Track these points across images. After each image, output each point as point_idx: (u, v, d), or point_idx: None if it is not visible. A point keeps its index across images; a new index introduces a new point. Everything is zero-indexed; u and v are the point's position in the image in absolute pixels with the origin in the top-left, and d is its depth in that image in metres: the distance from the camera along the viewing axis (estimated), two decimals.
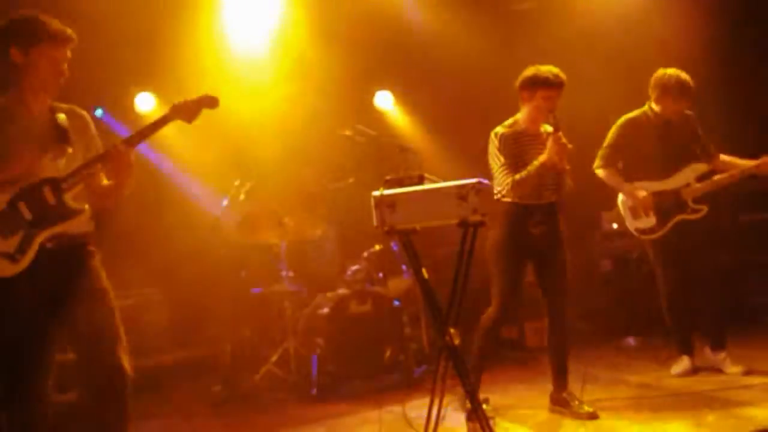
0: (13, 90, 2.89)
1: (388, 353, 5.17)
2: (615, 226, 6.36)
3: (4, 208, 2.75)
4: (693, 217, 4.58)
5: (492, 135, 4.05)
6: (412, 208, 3.15)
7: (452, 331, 3.21)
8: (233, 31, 6.21)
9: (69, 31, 2.90)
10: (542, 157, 3.85)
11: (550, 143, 3.84)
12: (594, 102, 5.61)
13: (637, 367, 5.05)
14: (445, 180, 3.19)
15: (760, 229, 6.30)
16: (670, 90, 4.57)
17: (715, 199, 4.62)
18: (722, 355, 4.58)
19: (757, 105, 6.32)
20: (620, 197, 4.82)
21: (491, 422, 3.27)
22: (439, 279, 3.48)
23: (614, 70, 6.09)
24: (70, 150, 2.89)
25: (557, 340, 4.09)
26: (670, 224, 4.60)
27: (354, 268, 5.55)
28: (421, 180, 3.29)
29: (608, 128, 4.77)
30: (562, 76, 3.95)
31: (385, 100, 7.23)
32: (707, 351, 4.67)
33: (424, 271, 3.29)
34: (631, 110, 4.76)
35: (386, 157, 5.25)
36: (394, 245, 5.91)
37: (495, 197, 4.07)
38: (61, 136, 2.90)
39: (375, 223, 3.22)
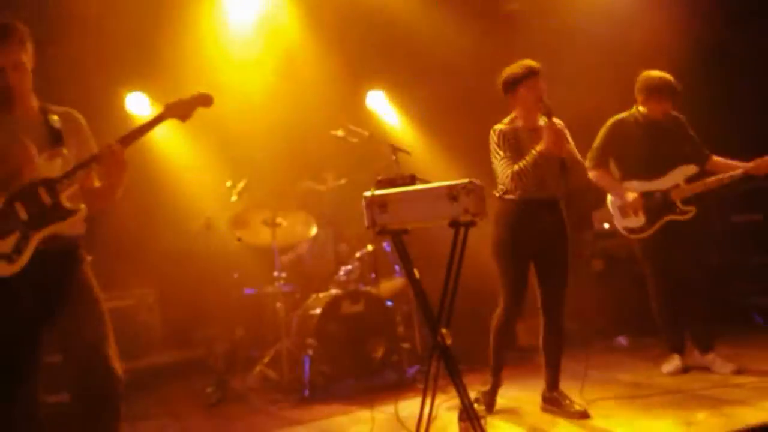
0: None
1: (380, 353, 5.16)
2: (606, 225, 6.38)
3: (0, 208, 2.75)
4: (681, 218, 4.60)
5: (491, 132, 4.05)
6: (404, 209, 3.17)
7: (444, 331, 3.23)
8: (225, 31, 6.20)
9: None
10: (539, 146, 3.84)
11: (545, 131, 3.84)
12: (583, 102, 5.60)
13: (628, 365, 5.07)
14: (436, 180, 3.21)
15: (752, 230, 6.33)
16: (654, 91, 4.61)
17: (703, 200, 4.64)
18: (711, 356, 4.60)
19: (744, 105, 6.34)
20: (609, 196, 4.84)
21: (483, 422, 3.29)
22: (436, 279, 3.47)
23: (603, 70, 6.10)
24: (65, 151, 2.89)
25: (553, 340, 4.08)
26: (658, 224, 4.63)
27: (346, 268, 5.55)
28: (412, 180, 3.30)
29: (597, 128, 4.80)
30: (534, 63, 3.96)
31: (377, 101, 7.23)
32: (696, 354, 4.70)
33: (415, 271, 3.30)
34: (619, 110, 4.79)
35: (378, 157, 5.26)
36: (386, 245, 5.92)
37: (497, 195, 4.08)
38: (54, 138, 2.90)
39: (366, 223, 3.23)
